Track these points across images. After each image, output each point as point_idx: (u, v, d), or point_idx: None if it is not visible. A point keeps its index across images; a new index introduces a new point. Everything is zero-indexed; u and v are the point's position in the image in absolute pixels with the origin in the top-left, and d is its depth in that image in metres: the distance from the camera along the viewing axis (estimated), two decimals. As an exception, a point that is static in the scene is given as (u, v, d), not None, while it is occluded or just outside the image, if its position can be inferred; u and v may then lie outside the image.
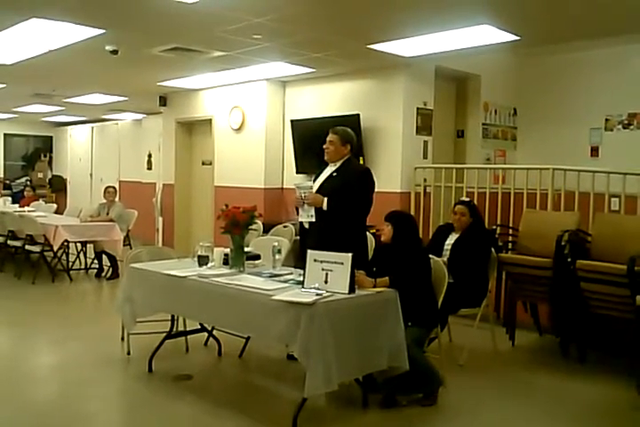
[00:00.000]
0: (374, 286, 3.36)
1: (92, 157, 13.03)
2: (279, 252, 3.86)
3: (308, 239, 4.02)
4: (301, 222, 4.14)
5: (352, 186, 3.96)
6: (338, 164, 4.09)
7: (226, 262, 3.86)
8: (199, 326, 4.35)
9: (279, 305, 3.07)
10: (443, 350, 3.86)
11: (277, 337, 3.19)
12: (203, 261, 3.84)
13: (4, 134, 14.34)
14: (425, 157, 6.54)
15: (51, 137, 14.72)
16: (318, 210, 3.97)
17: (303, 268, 3.33)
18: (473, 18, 4.52)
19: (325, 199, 3.94)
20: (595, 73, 6.83)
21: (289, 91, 7.63)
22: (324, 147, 4.11)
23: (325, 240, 3.73)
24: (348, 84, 6.85)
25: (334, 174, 4.07)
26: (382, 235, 3.73)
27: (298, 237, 4.68)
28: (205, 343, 4.55)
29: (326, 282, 3.19)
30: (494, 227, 5.20)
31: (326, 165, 4.17)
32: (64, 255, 7.32)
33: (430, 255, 3.79)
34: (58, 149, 14.57)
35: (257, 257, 4.09)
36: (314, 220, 3.99)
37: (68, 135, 14.00)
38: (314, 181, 4.18)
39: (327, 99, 7.07)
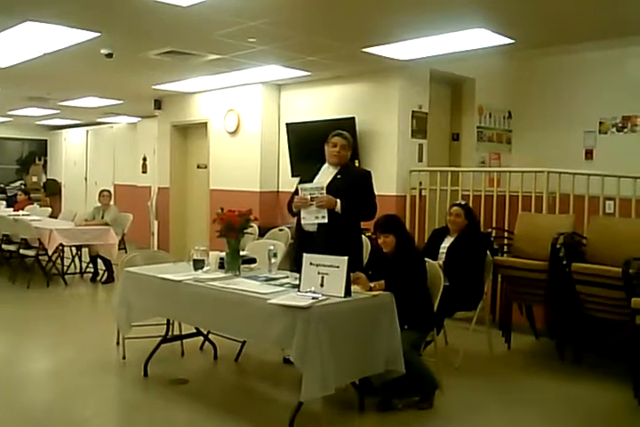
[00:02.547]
0: (371, 290, 3.36)
1: (86, 160, 12.99)
2: (275, 255, 3.83)
3: (314, 242, 3.84)
4: (299, 225, 4.04)
5: (360, 188, 3.95)
6: (338, 167, 4.06)
7: (221, 266, 3.85)
8: (195, 330, 4.34)
9: (275, 309, 3.06)
10: (439, 353, 3.86)
11: (273, 341, 3.19)
12: (198, 264, 3.82)
13: (-1, 138, 14.32)
14: (420, 160, 6.54)
15: (45, 140, 14.67)
16: (330, 212, 3.87)
17: (299, 271, 3.33)
18: (468, 21, 4.54)
19: (339, 201, 3.88)
20: (589, 76, 6.85)
21: (284, 94, 7.63)
22: (336, 151, 4.01)
23: (334, 243, 3.66)
24: (344, 88, 6.86)
25: (338, 177, 4.02)
26: (384, 246, 3.64)
27: (292, 241, 4.65)
28: (201, 347, 4.53)
29: (322, 286, 3.19)
30: (489, 230, 5.22)
31: (318, 165, 4.13)
32: (59, 259, 7.29)
33: (426, 258, 3.79)
34: (52, 152, 14.52)
35: (253, 261, 4.09)
36: (326, 221, 3.86)
37: (63, 139, 13.95)
38: (308, 181, 4.07)
39: (322, 102, 7.08)
